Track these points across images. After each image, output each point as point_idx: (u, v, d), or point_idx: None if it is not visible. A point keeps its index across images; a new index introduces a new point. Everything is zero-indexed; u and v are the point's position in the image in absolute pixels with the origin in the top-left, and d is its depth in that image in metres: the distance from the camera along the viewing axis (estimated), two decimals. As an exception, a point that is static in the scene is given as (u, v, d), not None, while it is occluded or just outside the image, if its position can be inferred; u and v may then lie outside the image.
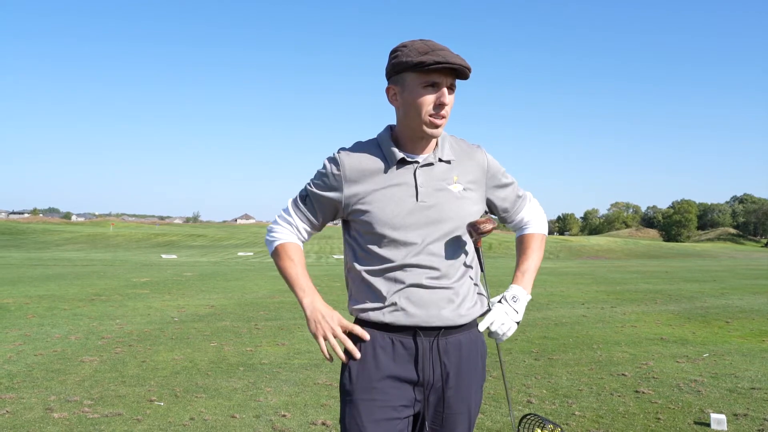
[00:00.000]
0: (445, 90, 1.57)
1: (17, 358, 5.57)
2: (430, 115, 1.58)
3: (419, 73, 1.56)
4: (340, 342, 1.65)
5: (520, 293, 1.71)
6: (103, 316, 8.41)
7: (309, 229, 1.77)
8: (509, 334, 1.67)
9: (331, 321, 1.65)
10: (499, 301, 1.70)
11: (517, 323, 1.69)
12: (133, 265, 23.26)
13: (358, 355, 1.63)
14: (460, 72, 1.57)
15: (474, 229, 1.63)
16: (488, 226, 1.62)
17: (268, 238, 1.79)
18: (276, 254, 1.75)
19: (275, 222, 1.79)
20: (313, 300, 1.68)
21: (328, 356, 1.66)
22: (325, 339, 1.64)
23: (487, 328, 1.66)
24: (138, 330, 7.26)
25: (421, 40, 1.59)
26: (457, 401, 1.65)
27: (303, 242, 1.79)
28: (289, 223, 1.76)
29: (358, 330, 1.64)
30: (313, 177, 1.73)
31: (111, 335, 6.86)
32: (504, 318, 1.66)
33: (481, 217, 1.68)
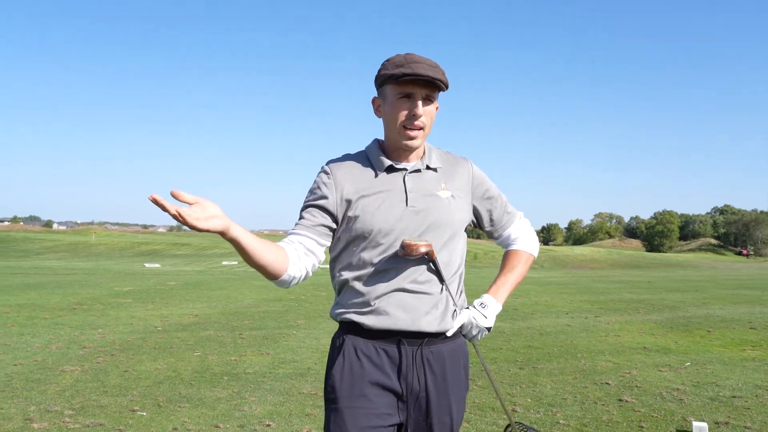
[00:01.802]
0: (419, 102, 1.60)
1: (-4, 368, 5.47)
2: (405, 126, 1.62)
3: (395, 84, 1.61)
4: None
5: (489, 301, 1.74)
6: (84, 325, 8.29)
7: (311, 236, 1.65)
8: (479, 338, 1.71)
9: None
10: (467, 307, 1.73)
11: (488, 329, 1.72)
12: (115, 274, 22.97)
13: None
14: (435, 84, 1.60)
15: (402, 248, 1.56)
16: (420, 250, 1.55)
17: None
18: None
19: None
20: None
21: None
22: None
23: (459, 330, 1.69)
24: (120, 339, 7.16)
25: (405, 53, 1.63)
26: (440, 411, 1.65)
27: (314, 264, 1.66)
28: (290, 243, 1.64)
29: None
30: (308, 194, 1.70)
31: (93, 345, 6.76)
32: (471, 322, 1.69)
33: (418, 239, 1.59)
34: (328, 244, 1.70)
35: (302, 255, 1.63)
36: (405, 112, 1.61)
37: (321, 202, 1.66)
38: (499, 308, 1.75)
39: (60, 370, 5.41)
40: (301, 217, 1.69)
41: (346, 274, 1.66)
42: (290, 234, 1.68)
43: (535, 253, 1.88)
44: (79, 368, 5.52)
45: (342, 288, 1.69)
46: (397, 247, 1.61)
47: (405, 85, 1.60)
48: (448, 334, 1.66)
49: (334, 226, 1.68)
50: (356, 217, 1.63)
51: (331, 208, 1.66)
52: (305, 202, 1.70)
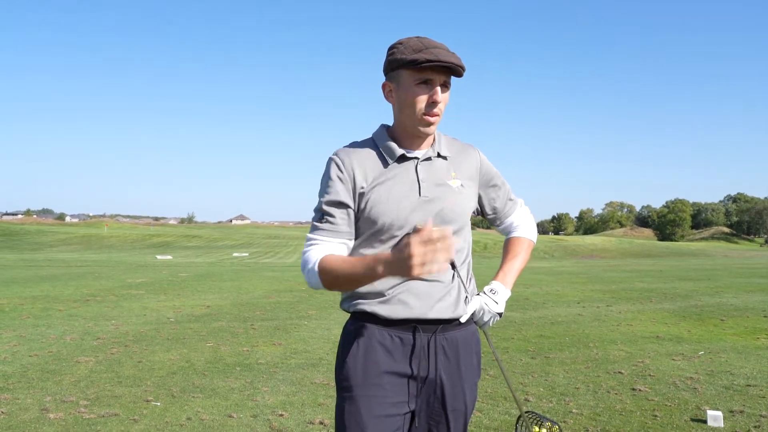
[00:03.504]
0: (438, 88, 1.57)
1: (12, 359, 5.54)
2: (423, 113, 1.59)
3: (413, 70, 1.56)
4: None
5: (498, 287, 1.75)
6: (98, 316, 8.37)
7: (340, 240, 1.61)
8: (491, 323, 1.73)
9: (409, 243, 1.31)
10: (478, 294, 1.74)
11: (500, 314, 1.73)
12: (128, 266, 23.16)
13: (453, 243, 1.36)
14: (453, 70, 1.57)
15: (415, 232, 1.40)
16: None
17: (304, 273, 1.60)
18: (323, 274, 1.54)
19: (303, 253, 1.64)
20: (379, 258, 1.42)
21: (436, 268, 1.29)
22: (422, 261, 1.28)
23: (471, 318, 1.69)
24: (134, 330, 7.23)
25: (417, 37, 1.60)
26: (454, 398, 1.65)
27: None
28: (318, 245, 1.60)
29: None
30: (320, 191, 1.65)
31: (106, 336, 6.82)
32: (483, 308, 1.71)
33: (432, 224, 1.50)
34: (353, 234, 1.65)
35: (341, 251, 1.61)
36: (425, 99, 1.57)
37: (340, 198, 1.61)
38: (508, 294, 1.76)
39: (75, 361, 5.47)
40: (321, 218, 1.62)
41: None
42: (316, 239, 1.60)
43: (535, 240, 1.91)
44: (94, 359, 5.58)
45: None
46: None
47: (424, 71, 1.55)
48: (462, 320, 1.67)
49: (354, 216, 1.64)
50: (370, 209, 1.61)
51: (349, 202, 1.62)
52: (323, 199, 1.62)
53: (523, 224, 1.88)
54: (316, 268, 1.54)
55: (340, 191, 1.62)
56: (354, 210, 1.63)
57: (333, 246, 1.60)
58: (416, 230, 1.53)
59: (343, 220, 1.62)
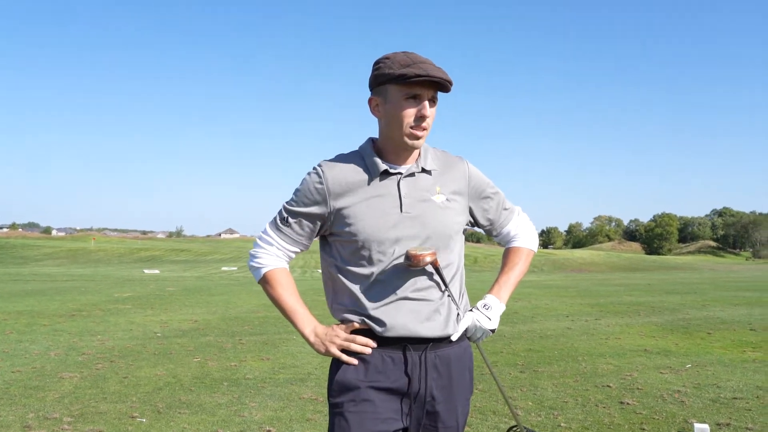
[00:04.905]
0: (426, 102, 1.57)
1: (-5, 375, 5.45)
2: (411, 127, 1.58)
3: (401, 85, 1.56)
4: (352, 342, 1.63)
5: (493, 301, 1.72)
6: (83, 331, 8.27)
7: (295, 249, 1.72)
8: (483, 339, 1.71)
9: (335, 331, 1.64)
10: (470, 310, 1.71)
11: (492, 330, 1.70)
12: (114, 280, 22.92)
13: (372, 343, 1.60)
14: (441, 85, 1.58)
15: (408, 259, 1.57)
16: (426, 260, 1.55)
17: (252, 264, 1.73)
18: (265, 282, 1.71)
19: (257, 246, 1.73)
20: (314, 328, 1.67)
21: (348, 359, 1.62)
22: (339, 348, 1.62)
23: (463, 333, 1.68)
24: (120, 346, 7.14)
25: (404, 52, 1.60)
26: (446, 415, 1.64)
27: (288, 263, 1.75)
28: (273, 247, 1.71)
29: (361, 339, 1.61)
30: (292, 195, 1.69)
31: (92, 351, 6.74)
32: (475, 325, 1.68)
33: (422, 249, 1.59)
34: (307, 246, 1.75)
35: (289, 258, 1.75)
36: (412, 114, 1.58)
37: (310, 209, 1.64)
38: (502, 308, 1.73)
39: (59, 377, 5.39)
40: (286, 221, 1.68)
41: (342, 282, 1.64)
42: (272, 235, 1.71)
43: (535, 249, 1.87)
44: (78, 375, 5.50)
45: (337, 298, 1.68)
46: (393, 254, 1.59)
47: (412, 86, 1.56)
48: (453, 338, 1.65)
49: (315, 233, 1.70)
50: (350, 224, 1.61)
51: (321, 215, 1.64)
52: (292, 203, 1.67)
53: (521, 233, 1.85)
54: (262, 274, 1.71)
55: (311, 203, 1.64)
56: (324, 223, 1.66)
57: (287, 252, 1.72)
58: (407, 256, 1.55)
59: (303, 230, 1.69)
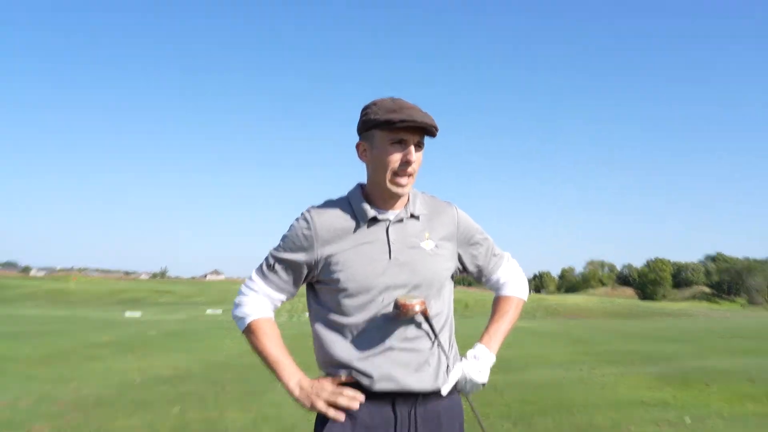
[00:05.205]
0: (411, 148, 1.60)
1: (-41, 426, 5.24)
2: (396, 173, 1.61)
3: (387, 130, 1.59)
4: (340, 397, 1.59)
5: (483, 352, 1.69)
6: (57, 378, 8.03)
7: (281, 297, 1.72)
8: (473, 392, 1.67)
9: (321, 384, 1.61)
10: (461, 360, 1.69)
11: (483, 384, 1.67)
12: (93, 323, 22.49)
13: (361, 397, 1.57)
14: (427, 130, 1.61)
15: (396, 308, 1.55)
16: (415, 309, 1.53)
17: (236, 313, 1.71)
18: (249, 332, 1.69)
19: (242, 293, 1.72)
20: (299, 381, 1.64)
21: (335, 415, 1.58)
22: (326, 402, 1.58)
23: (453, 387, 1.64)
24: (95, 394, 6.92)
25: (391, 98, 1.64)
26: None
27: (274, 311, 1.74)
28: (259, 294, 1.70)
29: (349, 392, 1.58)
30: (279, 241, 1.69)
31: (65, 399, 6.52)
32: (465, 378, 1.65)
33: (411, 297, 1.57)
34: (294, 294, 1.74)
35: (275, 306, 1.73)
36: (398, 159, 1.60)
37: (298, 256, 1.65)
38: (492, 359, 1.71)
39: (27, 430, 5.18)
40: (272, 268, 1.68)
41: (329, 330, 1.62)
42: (258, 282, 1.70)
43: (525, 297, 1.87)
44: (49, 425, 5.30)
45: (323, 348, 1.65)
46: (381, 302, 1.58)
47: (398, 132, 1.59)
48: (443, 393, 1.62)
49: (302, 280, 1.69)
50: (338, 271, 1.60)
51: (308, 262, 1.64)
52: (280, 249, 1.68)
53: (511, 280, 1.85)
54: (246, 324, 1.68)
55: (299, 250, 1.64)
56: (312, 271, 1.66)
57: (272, 300, 1.70)
58: (396, 305, 1.53)
59: (290, 277, 1.68)
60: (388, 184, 1.62)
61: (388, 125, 1.58)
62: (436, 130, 1.61)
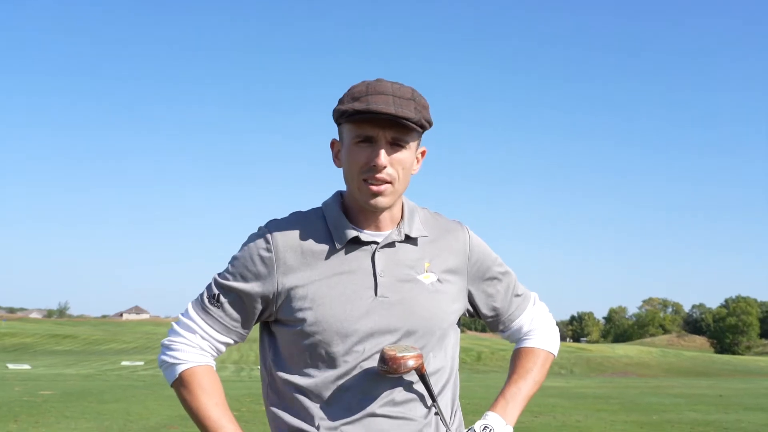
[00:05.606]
0: (381, 149, 1.55)
1: None
2: (363, 180, 1.57)
3: (352, 124, 1.58)
4: None
5: (496, 422, 1.69)
6: None
7: (226, 339, 1.68)
8: None
9: None
10: None
11: None
12: (-36, 378, 22.25)
13: None
14: (403, 124, 1.55)
15: (384, 363, 1.54)
16: (408, 364, 1.53)
17: (164, 358, 1.67)
18: (180, 384, 1.65)
19: (174, 333, 1.68)
20: None
21: None
22: None
23: None
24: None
25: (371, 80, 1.61)
26: None
27: (215, 359, 1.72)
28: (196, 335, 1.66)
29: None
30: (227, 265, 1.68)
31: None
32: None
33: (404, 348, 1.56)
34: (245, 336, 1.72)
35: (218, 351, 1.72)
36: (363, 162, 1.57)
37: (251, 286, 1.63)
38: (509, 431, 1.71)
39: None
40: (216, 300, 1.65)
41: (289, 389, 1.62)
42: (195, 319, 1.66)
43: (556, 351, 1.87)
44: None
45: (284, 402, 1.65)
46: (362, 353, 1.58)
47: (363, 126, 1.56)
48: None
49: (256, 318, 1.68)
50: (305, 310, 1.59)
51: (264, 295, 1.63)
52: (227, 275, 1.66)
53: (538, 329, 1.85)
54: (177, 373, 1.64)
55: (253, 278, 1.63)
56: (268, 307, 1.64)
57: (214, 343, 1.67)
58: (383, 358, 1.53)
59: (239, 314, 1.66)
60: (359, 196, 1.60)
61: (346, 117, 1.57)
62: (415, 123, 1.55)
